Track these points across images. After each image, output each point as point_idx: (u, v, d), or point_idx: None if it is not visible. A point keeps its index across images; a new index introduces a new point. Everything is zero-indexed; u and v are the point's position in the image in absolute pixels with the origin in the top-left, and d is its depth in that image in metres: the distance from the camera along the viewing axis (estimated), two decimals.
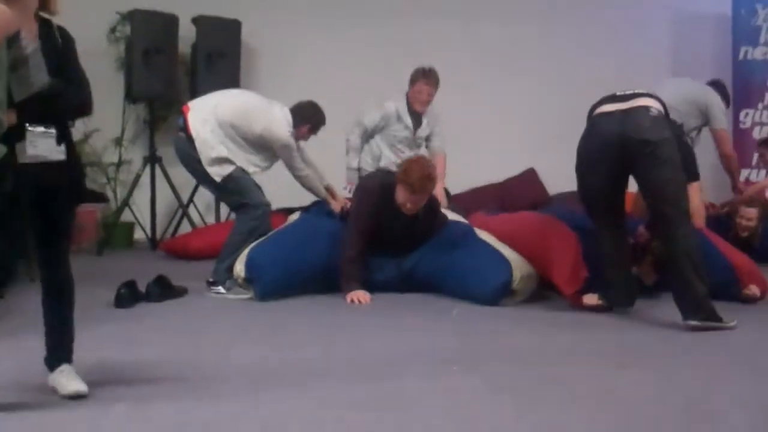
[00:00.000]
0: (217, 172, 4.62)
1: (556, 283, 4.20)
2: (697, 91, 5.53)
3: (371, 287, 4.44)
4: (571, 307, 4.12)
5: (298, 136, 4.82)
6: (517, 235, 4.62)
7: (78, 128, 6.62)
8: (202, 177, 4.76)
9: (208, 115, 4.66)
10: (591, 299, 4.07)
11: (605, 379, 2.92)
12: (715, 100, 5.73)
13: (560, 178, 7.21)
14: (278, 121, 4.69)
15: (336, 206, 4.89)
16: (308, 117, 4.83)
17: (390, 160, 5.44)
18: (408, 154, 5.41)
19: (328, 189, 4.99)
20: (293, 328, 3.77)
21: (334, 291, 4.44)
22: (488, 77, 7.27)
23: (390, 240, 4.54)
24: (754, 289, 4.25)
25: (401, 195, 4.42)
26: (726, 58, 7.31)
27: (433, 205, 4.66)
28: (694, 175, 5.15)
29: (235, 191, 4.68)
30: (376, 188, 4.55)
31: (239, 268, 4.44)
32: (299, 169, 4.77)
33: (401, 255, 4.59)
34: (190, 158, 4.67)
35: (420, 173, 4.35)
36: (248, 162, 4.70)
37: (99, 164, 6.78)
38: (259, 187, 4.78)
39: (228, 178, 4.64)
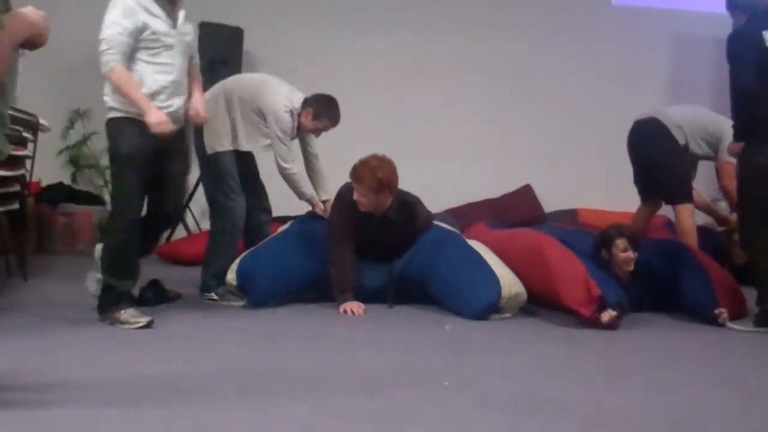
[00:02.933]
0: (211, 144, 4.61)
1: (570, 306, 4.17)
2: (713, 120, 5.40)
3: (363, 294, 4.45)
4: (589, 325, 4.10)
5: (302, 121, 4.72)
6: (516, 255, 4.62)
7: (77, 130, 6.72)
8: (200, 154, 4.72)
9: (216, 89, 4.74)
10: (607, 315, 4.09)
11: (596, 396, 2.92)
12: (729, 134, 5.50)
13: (556, 195, 7.27)
14: (275, 90, 4.68)
15: (320, 210, 4.85)
16: (316, 104, 4.72)
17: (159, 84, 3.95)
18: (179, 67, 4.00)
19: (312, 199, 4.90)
20: (286, 337, 3.78)
21: (328, 300, 4.45)
22: (487, 93, 7.30)
23: (371, 245, 4.55)
24: (725, 314, 4.25)
25: (355, 193, 4.49)
26: (725, 81, 7.31)
27: (408, 206, 4.66)
28: (687, 198, 5.20)
29: (214, 178, 4.65)
30: (348, 195, 4.56)
31: (231, 276, 4.45)
32: (284, 159, 4.64)
33: (388, 259, 4.59)
34: (197, 133, 4.66)
35: (363, 166, 4.44)
36: (246, 137, 4.65)
37: (96, 167, 6.79)
38: (258, 194, 4.80)
39: (216, 158, 4.61)
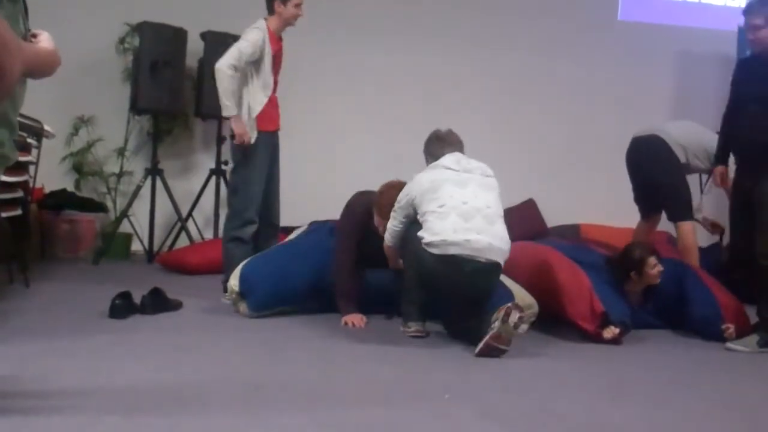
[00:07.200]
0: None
1: (575, 321, 4.18)
2: (709, 138, 5.42)
3: (368, 299, 4.44)
4: (593, 340, 4.12)
5: (286, 14, 4.97)
6: (523, 267, 4.61)
7: (81, 137, 6.73)
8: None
9: None
10: (610, 332, 4.09)
11: (596, 412, 2.92)
12: None
13: (559, 210, 7.27)
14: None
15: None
16: None
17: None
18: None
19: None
20: (287, 347, 3.77)
21: (328, 309, 4.44)
22: (490, 108, 7.31)
23: (371, 258, 4.52)
24: (731, 329, 4.26)
25: (376, 218, 4.44)
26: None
27: None
28: (688, 215, 5.20)
29: (238, 166, 4.89)
30: (361, 210, 4.53)
31: (233, 282, 4.46)
32: (224, 62, 4.73)
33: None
34: None
35: (392, 200, 4.28)
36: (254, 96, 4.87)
37: (100, 174, 6.80)
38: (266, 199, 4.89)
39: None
